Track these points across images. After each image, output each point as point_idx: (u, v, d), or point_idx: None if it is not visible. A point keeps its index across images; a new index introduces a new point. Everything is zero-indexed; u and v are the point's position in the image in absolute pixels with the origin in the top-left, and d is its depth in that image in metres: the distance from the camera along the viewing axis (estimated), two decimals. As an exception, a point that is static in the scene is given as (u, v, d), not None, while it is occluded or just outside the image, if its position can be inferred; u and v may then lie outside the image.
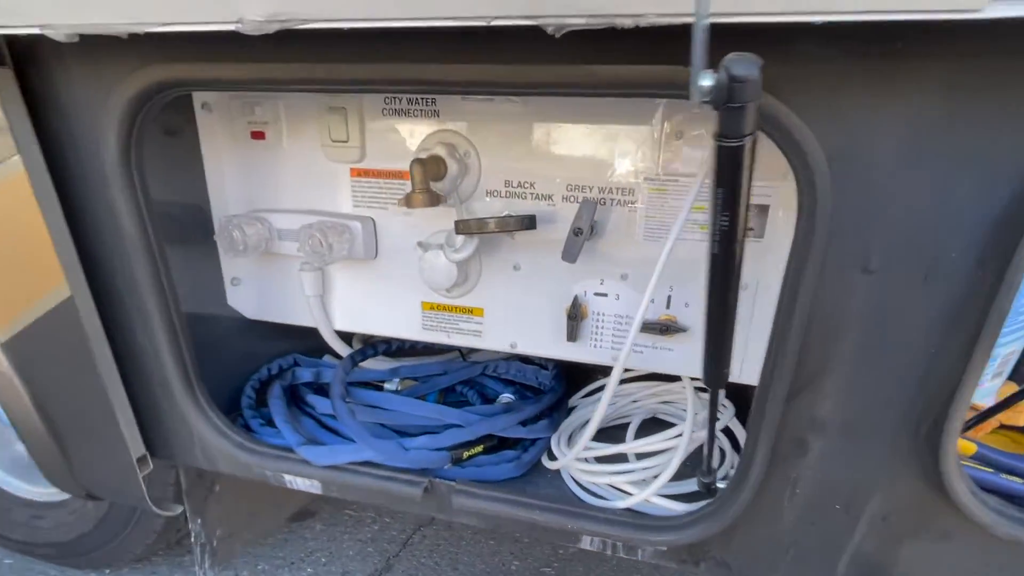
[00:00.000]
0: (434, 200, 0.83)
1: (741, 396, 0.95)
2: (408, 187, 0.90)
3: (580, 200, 0.85)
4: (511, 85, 0.63)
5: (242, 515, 1.24)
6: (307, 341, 1.26)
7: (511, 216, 0.82)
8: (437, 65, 0.63)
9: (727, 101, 0.42)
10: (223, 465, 0.98)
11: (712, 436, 0.71)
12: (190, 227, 1.01)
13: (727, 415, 0.94)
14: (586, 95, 0.74)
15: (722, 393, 0.81)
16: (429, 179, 0.83)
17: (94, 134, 0.77)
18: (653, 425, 1.08)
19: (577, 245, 0.80)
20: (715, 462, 0.85)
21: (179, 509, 1.09)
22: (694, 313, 0.88)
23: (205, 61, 0.69)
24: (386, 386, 1.17)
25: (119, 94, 0.73)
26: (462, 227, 0.83)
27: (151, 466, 1.00)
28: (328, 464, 0.90)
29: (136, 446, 0.97)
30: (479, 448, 0.98)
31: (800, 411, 0.70)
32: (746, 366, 0.86)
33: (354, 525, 1.76)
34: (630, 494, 0.88)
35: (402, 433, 1.00)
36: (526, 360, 1.20)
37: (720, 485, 0.80)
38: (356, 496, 0.93)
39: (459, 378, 1.17)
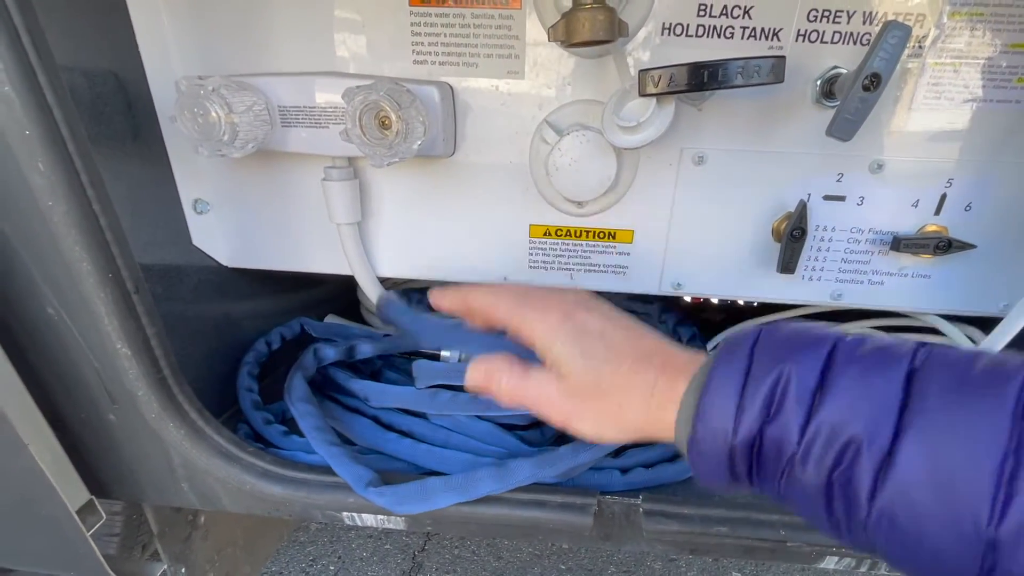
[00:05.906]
0: (620, 27, 0.46)
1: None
2: (517, 21, 0.53)
3: (878, 29, 0.51)
4: None
5: (239, 546, 0.87)
6: (295, 296, 0.87)
7: (757, 59, 0.46)
8: None
9: None
10: (232, 502, 0.61)
11: None
12: (106, 113, 0.57)
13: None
14: None
15: None
16: (600, -8, 0.45)
17: None
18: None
19: (867, 106, 0.46)
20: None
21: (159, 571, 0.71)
22: (980, 222, 0.58)
23: None
24: (444, 355, 0.81)
25: None
26: (650, 82, 0.47)
27: (103, 515, 0.60)
28: (432, 508, 0.54)
29: (73, 490, 0.57)
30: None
31: None
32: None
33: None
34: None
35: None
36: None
37: None
38: (468, 532, 0.60)
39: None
